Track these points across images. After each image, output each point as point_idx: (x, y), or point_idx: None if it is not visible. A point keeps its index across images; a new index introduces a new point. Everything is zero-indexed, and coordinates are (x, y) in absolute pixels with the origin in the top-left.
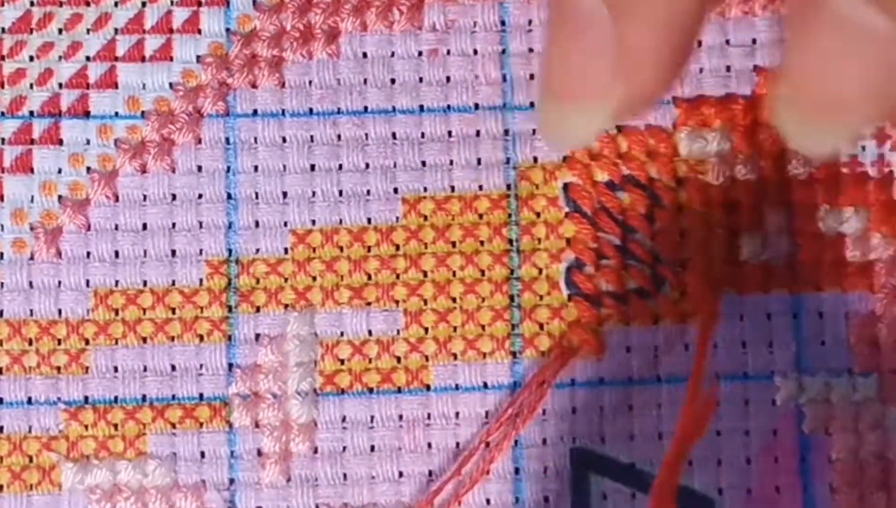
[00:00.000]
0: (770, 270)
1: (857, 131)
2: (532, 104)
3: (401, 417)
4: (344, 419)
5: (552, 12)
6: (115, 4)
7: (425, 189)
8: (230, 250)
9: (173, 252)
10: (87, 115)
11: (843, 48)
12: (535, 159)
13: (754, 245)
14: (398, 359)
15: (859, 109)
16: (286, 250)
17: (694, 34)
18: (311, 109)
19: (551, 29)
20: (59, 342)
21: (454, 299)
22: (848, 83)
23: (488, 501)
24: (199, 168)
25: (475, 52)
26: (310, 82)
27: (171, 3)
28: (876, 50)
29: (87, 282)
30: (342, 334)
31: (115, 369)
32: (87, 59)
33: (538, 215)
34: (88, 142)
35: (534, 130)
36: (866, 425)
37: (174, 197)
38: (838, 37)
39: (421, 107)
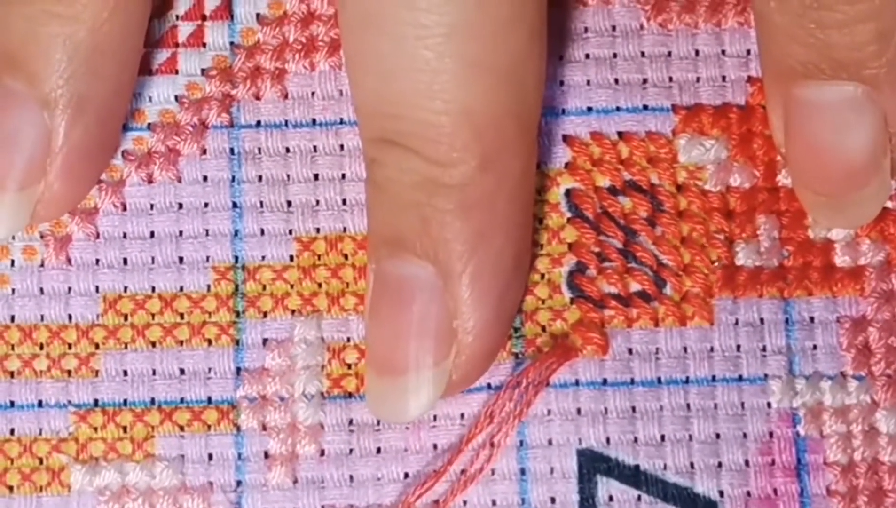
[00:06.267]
0: (763, 275)
1: (882, 197)
2: None
3: None
4: (350, 422)
5: (373, 285)
6: None
7: None
8: (236, 257)
9: (180, 259)
10: None
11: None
12: (538, 166)
13: (748, 251)
14: None
15: (869, 175)
16: (291, 258)
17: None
18: (313, 120)
19: (371, 302)
20: (70, 346)
21: None
22: (852, 153)
23: (494, 502)
24: (205, 178)
25: None
26: (312, 93)
27: (177, 17)
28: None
29: (97, 288)
30: (348, 339)
31: (125, 372)
32: None
33: (541, 221)
34: None
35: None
36: (859, 427)
37: (180, 206)
38: (820, 118)
39: None
